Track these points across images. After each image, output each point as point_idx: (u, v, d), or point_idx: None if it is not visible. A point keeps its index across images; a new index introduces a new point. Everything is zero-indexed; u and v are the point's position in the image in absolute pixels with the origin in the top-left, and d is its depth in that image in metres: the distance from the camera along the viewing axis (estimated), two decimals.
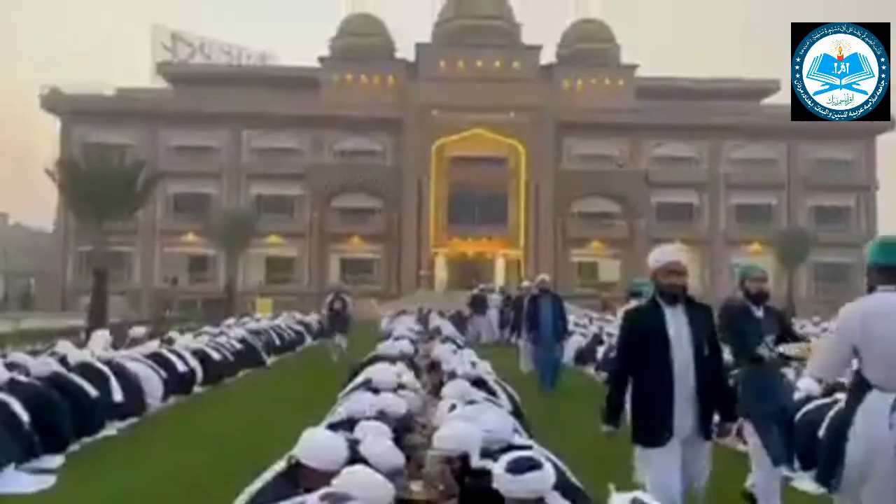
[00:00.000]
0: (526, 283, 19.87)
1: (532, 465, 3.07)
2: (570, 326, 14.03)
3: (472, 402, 5.08)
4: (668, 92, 51.35)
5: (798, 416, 6.04)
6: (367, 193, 48.88)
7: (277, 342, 17.93)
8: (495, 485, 3.11)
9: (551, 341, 11.23)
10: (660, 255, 4.21)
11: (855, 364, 3.62)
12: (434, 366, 8.18)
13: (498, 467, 3.14)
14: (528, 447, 3.89)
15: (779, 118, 51.07)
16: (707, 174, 51.14)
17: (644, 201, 49.03)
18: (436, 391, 6.65)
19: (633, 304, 10.55)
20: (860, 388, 3.51)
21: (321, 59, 51.59)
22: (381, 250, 49.27)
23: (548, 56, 52.37)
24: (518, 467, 3.05)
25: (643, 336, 4.10)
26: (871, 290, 3.63)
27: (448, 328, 16.85)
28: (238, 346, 14.49)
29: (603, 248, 49.89)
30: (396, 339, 11.05)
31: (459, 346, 10.13)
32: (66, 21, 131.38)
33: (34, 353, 9.73)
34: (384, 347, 9.37)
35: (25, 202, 75.27)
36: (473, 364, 6.96)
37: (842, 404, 3.96)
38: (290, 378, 13.70)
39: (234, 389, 12.25)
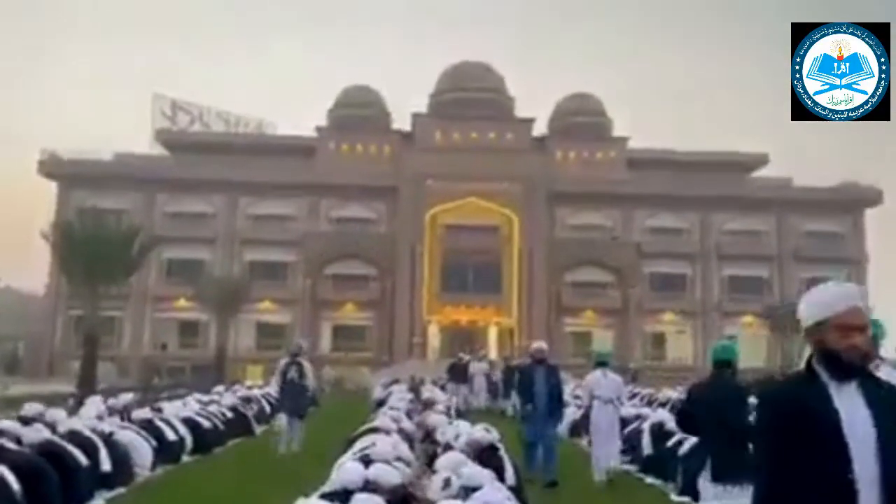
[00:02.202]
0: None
1: None
2: (566, 397, 13.84)
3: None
4: (659, 164, 52.24)
5: None
6: (361, 261, 48.96)
7: (268, 410, 17.69)
8: None
9: (545, 416, 10.09)
10: (832, 298, 2.55)
11: None
12: (428, 436, 8.09)
13: None
14: None
15: (768, 191, 52.06)
16: (699, 245, 51.62)
17: (637, 272, 49.30)
18: (430, 462, 6.56)
19: (599, 374, 9.82)
20: None
21: (318, 129, 52.46)
22: (373, 317, 49.07)
23: (540, 128, 53.43)
24: None
25: (799, 428, 2.47)
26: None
27: (441, 397, 16.66)
28: (229, 414, 14.33)
29: (596, 317, 49.83)
30: (391, 408, 10.94)
31: (453, 417, 10.03)
32: (71, 90, 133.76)
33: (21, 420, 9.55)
34: (378, 417, 9.27)
35: (19, 266, 75.76)
36: (488, 430, 6.82)
37: None
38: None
39: (223, 459, 12.04)
